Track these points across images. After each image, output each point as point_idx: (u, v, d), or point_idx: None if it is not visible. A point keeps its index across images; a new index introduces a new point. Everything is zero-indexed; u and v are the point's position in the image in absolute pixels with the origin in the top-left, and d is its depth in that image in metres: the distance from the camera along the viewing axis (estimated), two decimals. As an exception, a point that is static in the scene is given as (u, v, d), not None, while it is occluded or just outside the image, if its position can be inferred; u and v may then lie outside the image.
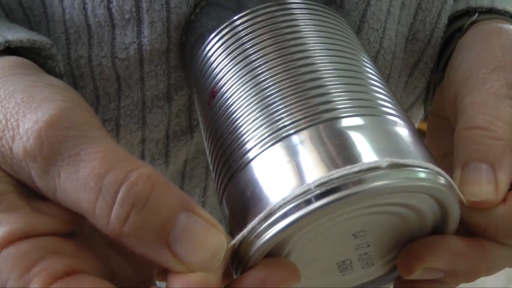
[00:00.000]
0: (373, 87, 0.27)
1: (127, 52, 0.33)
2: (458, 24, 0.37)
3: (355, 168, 0.21)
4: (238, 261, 0.23)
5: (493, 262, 0.27)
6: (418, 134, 0.27)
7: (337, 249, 0.26)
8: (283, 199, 0.22)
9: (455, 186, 0.25)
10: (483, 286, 0.54)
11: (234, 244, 0.23)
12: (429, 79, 0.39)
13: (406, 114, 0.28)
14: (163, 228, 0.21)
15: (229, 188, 0.25)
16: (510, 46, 0.31)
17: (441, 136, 0.35)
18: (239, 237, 0.23)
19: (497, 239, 0.27)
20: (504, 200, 0.27)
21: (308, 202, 0.21)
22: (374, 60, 0.36)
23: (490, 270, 0.27)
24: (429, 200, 0.24)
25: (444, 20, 0.37)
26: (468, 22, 0.36)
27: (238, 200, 0.24)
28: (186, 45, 0.33)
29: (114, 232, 0.21)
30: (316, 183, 0.21)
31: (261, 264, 0.23)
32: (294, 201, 0.22)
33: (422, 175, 0.22)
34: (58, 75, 0.32)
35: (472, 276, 0.27)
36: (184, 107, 0.36)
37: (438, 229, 0.26)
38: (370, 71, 0.29)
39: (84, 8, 0.32)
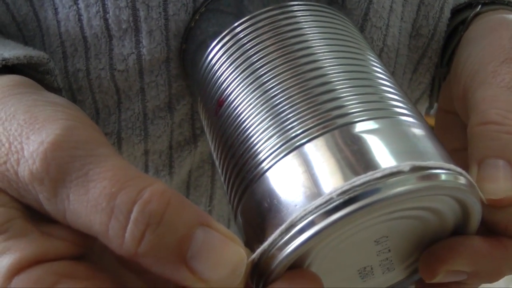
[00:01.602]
0: (383, 87, 0.26)
1: (126, 64, 0.32)
2: (461, 17, 0.36)
3: (377, 174, 0.21)
4: (259, 275, 0.22)
5: None
6: (433, 132, 0.26)
7: (358, 256, 0.25)
8: (304, 210, 0.21)
9: (476, 186, 0.24)
10: (483, 286, 0.54)
11: (254, 258, 0.22)
12: (433, 74, 0.39)
13: (418, 112, 0.27)
14: (181, 246, 0.20)
15: (244, 200, 0.24)
16: None
17: (450, 132, 0.35)
18: (259, 250, 0.22)
19: None
20: None
21: (330, 211, 0.21)
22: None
23: None
24: (450, 201, 0.24)
25: (447, 13, 0.36)
26: (471, 14, 0.35)
27: (255, 212, 0.23)
28: (186, 53, 0.32)
29: (129, 252, 0.20)
30: (338, 192, 0.21)
31: (283, 277, 0.22)
32: (316, 211, 0.21)
33: (444, 176, 0.22)
34: (57, 90, 0.31)
35: (495, 276, 0.26)
36: (186, 117, 0.35)
37: (459, 229, 0.26)
38: (378, 70, 0.28)
39: (80, 20, 0.31)
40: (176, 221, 0.20)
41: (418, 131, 0.24)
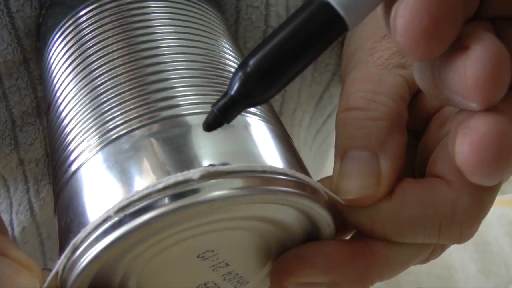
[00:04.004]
0: (228, 80, 0.23)
1: None
2: None
3: (159, 185, 0.18)
4: None
5: (386, 266, 0.23)
6: (283, 134, 0.23)
7: (188, 272, 0.22)
8: (84, 231, 0.18)
9: (319, 188, 0.21)
10: (483, 286, 0.51)
11: (57, 272, 0.19)
12: (340, 54, 0.35)
13: (271, 110, 0.24)
14: None
15: (57, 210, 0.22)
16: None
17: None
18: (49, 278, 0.19)
19: (387, 239, 0.23)
20: (391, 192, 0.22)
21: (106, 233, 0.18)
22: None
23: (384, 274, 0.23)
24: (284, 209, 0.20)
25: None
26: None
27: (61, 224, 0.21)
28: (41, 53, 0.30)
29: None
30: (116, 209, 0.18)
31: None
32: (94, 232, 0.18)
33: (250, 182, 0.18)
34: None
35: (362, 284, 0.23)
36: None
37: (313, 235, 0.23)
38: (230, 62, 0.25)
39: None
40: None
41: (255, 130, 0.21)
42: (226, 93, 0.19)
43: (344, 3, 0.18)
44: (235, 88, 0.18)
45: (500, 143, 0.17)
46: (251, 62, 0.18)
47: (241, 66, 0.18)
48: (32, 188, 0.34)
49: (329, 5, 0.18)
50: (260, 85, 0.18)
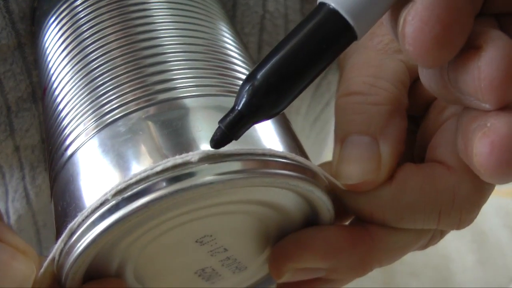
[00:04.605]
0: (226, 63, 0.23)
1: None
2: None
3: (157, 167, 0.17)
4: (59, 286, 0.20)
5: (386, 251, 0.23)
6: (282, 118, 0.22)
7: (186, 258, 0.22)
8: (81, 215, 0.18)
9: (320, 173, 0.20)
10: (480, 276, 0.51)
11: (53, 257, 0.19)
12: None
13: None
14: None
15: (53, 195, 0.21)
16: None
17: None
18: (46, 264, 0.19)
19: (387, 224, 0.23)
20: (391, 178, 0.22)
21: (103, 216, 0.17)
22: (262, 27, 0.32)
23: (383, 260, 0.23)
24: (284, 192, 0.20)
25: None
26: None
27: (57, 209, 0.20)
28: (35, 37, 0.29)
29: None
30: (113, 192, 0.17)
31: None
32: (92, 216, 0.18)
33: (250, 164, 0.18)
34: None
35: (361, 270, 0.23)
36: None
37: (312, 221, 0.22)
38: (227, 46, 0.24)
39: None
40: None
41: None
42: (233, 108, 0.18)
43: (352, 11, 0.17)
44: (242, 103, 0.17)
45: None
46: (259, 75, 0.17)
47: (248, 79, 0.18)
48: (27, 175, 0.34)
49: (337, 14, 0.17)
50: (269, 100, 0.17)
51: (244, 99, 0.17)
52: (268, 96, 0.17)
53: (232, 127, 0.18)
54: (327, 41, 0.17)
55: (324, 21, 0.17)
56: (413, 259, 0.51)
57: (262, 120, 0.18)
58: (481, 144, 0.17)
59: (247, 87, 0.17)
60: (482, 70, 0.17)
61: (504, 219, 0.55)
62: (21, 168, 0.34)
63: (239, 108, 0.18)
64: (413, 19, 0.16)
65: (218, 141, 0.18)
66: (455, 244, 0.52)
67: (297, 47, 0.17)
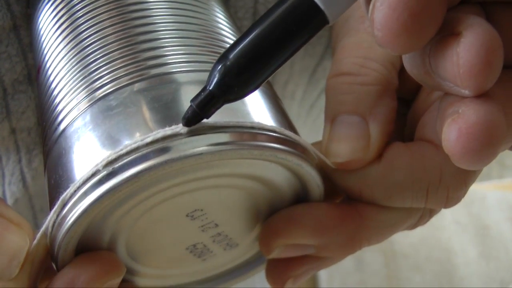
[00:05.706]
0: (218, 41, 0.23)
1: None
2: None
3: (147, 138, 0.18)
4: (52, 258, 0.20)
5: (375, 229, 0.23)
6: (272, 94, 0.23)
7: (177, 233, 0.22)
8: (73, 185, 0.18)
9: (310, 148, 0.21)
10: (483, 270, 0.51)
11: (44, 231, 0.19)
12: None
13: None
14: None
15: (46, 169, 0.22)
16: None
17: None
18: (38, 235, 0.19)
19: (376, 202, 0.23)
20: (380, 156, 0.22)
21: (94, 186, 0.18)
22: (255, 11, 0.32)
23: (373, 238, 0.24)
24: (273, 167, 0.20)
25: None
26: None
27: (50, 183, 0.21)
28: (30, 19, 0.29)
29: None
30: (104, 163, 0.18)
31: (72, 263, 0.20)
32: (83, 187, 0.18)
33: (238, 136, 0.18)
34: None
35: (350, 248, 0.23)
36: None
37: (302, 198, 0.23)
38: (220, 25, 0.25)
39: None
40: None
41: None
42: (204, 88, 0.18)
43: None
44: (214, 83, 0.18)
45: (488, 133, 0.17)
46: (231, 56, 0.18)
47: (220, 59, 0.18)
48: (24, 158, 0.34)
49: None
50: (239, 80, 0.18)
51: (215, 79, 0.18)
52: (238, 76, 0.18)
53: (203, 107, 0.18)
54: (297, 24, 0.18)
55: (295, 5, 0.18)
56: (416, 252, 0.51)
57: (233, 100, 0.18)
58: (449, 130, 0.17)
59: (219, 67, 0.18)
60: (461, 56, 0.17)
61: (507, 213, 0.55)
62: (17, 151, 0.34)
63: (210, 88, 0.18)
64: (381, 5, 0.16)
65: (189, 119, 0.18)
66: (458, 237, 0.52)
67: (267, 29, 0.18)
